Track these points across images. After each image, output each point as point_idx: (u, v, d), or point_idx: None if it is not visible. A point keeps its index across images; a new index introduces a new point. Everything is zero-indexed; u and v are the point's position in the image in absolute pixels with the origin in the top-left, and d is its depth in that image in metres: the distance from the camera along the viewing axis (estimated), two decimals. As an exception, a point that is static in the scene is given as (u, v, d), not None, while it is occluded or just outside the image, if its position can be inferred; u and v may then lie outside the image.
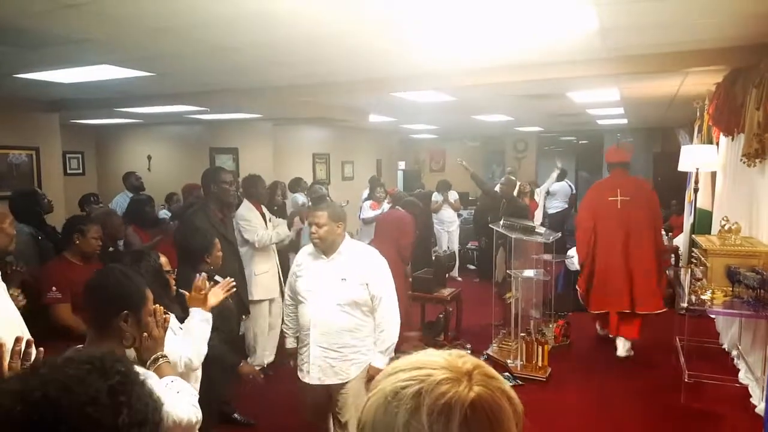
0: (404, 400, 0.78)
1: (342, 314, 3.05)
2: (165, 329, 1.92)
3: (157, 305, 1.91)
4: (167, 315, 1.97)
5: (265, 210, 5.10)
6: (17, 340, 1.53)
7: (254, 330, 4.96)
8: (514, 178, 8.34)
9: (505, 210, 6.59)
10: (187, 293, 2.60)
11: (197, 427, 1.79)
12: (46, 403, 0.80)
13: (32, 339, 1.56)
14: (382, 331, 3.10)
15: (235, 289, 2.88)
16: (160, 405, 0.93)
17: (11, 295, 2.58)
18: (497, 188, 7.94)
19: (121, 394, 0.86)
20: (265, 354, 5.04)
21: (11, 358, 1.46)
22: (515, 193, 8.16)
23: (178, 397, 1.74)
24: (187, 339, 2.43)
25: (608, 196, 5.38)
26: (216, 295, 2.67)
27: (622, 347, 5.19)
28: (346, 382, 3.11)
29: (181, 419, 1.70)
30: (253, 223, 4.86)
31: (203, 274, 2.72)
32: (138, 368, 1.28)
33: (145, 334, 1.83)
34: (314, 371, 3.10)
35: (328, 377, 3.10)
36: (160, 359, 1.87)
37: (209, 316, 2.56)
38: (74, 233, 3.49)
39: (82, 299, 1.87)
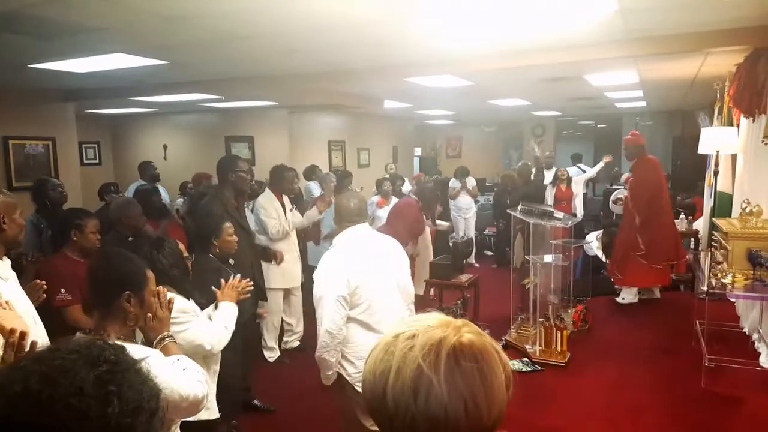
0: (401, 339, 0.91)
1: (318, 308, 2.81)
2: (170, 310, 1.96)
3: (160, 287, 1.95)
4: (172, 296, 2.01)
5: (287, 201, 5.09)
6: (22, 334, 1.48)
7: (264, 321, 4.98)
8: (530, 164, 8.50)
9: (521, 194, 6.56)
10: (217, 290, 2.66)
11: (204, 402, 1.83)
12: (27, 396, 0.77)
13: (36, 341, 1.52)
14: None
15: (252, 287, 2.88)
16: (157, 391, 0.88)
17: (36, 284, 2.47)
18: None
19: (110, 383, 0.81)
20: (276, 344, 5.11)
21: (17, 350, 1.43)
22: (549, 180, 8.28)
23: (185, 374, 1.77)
24: (214, 325, 2.49)
25: (662, 172, 6.37)
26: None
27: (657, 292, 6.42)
28: None
29: (187, 395, 1.72)
30: (269, 212, 4.88)
31: (238, 275, 2.77)
32: (137, 349, 1.26)
33: (149, 314, 1.86)
34: None
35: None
36: (166, 339, 1.90)
37: (236, 310, 2.64)
38: (71, 229, 3.23)
39: (86, 283, 1.89)
